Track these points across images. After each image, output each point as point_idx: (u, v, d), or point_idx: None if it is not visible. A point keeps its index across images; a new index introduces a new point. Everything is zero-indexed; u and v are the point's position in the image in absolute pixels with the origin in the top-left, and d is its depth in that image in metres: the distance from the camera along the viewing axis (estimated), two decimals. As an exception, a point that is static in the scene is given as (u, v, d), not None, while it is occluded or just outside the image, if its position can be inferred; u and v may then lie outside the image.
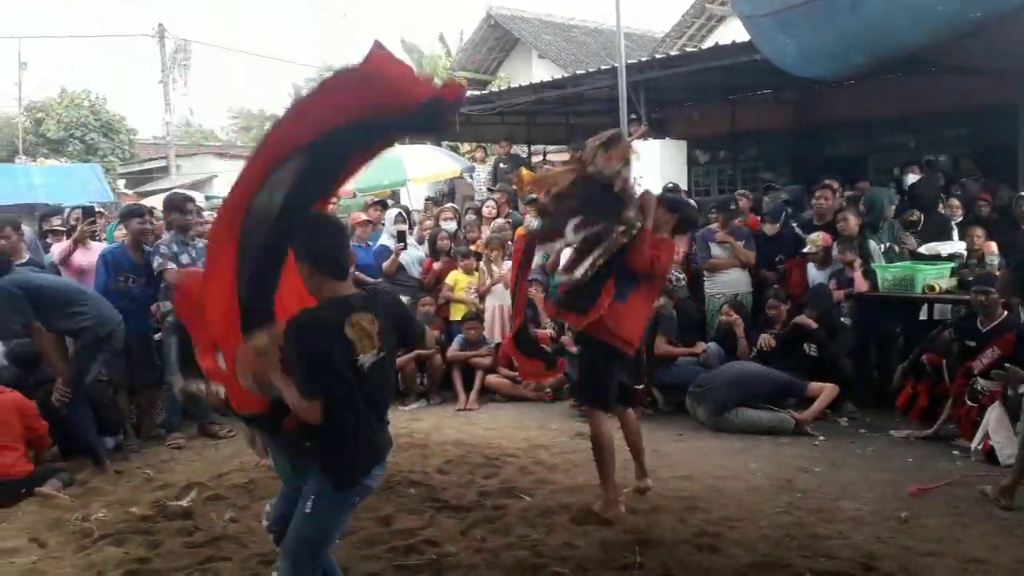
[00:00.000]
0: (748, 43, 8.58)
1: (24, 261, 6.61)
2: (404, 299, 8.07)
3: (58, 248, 6.92)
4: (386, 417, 3.01)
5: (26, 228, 7.78)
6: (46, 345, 5.45)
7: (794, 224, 7.72)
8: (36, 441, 5.30)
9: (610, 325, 4.28)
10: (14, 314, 5.27)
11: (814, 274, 7.11)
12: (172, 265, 6.11)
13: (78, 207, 7.89)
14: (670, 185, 8.92)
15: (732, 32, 13.19)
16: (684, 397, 6.55)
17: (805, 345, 6.50)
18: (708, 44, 12.37)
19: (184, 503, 4.82)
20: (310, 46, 66.42)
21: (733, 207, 7.49)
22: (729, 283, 7.30)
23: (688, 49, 11.14)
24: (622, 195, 4.23)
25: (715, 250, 7.29)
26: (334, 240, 2.92)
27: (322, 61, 28.73)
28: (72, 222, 7.68)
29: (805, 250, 7.08)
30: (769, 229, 7.53)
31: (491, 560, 3.85)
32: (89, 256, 6.69)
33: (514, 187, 11.09)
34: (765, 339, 6.63)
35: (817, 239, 6.99)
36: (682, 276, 7.30)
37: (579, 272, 4.23)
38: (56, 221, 8.33)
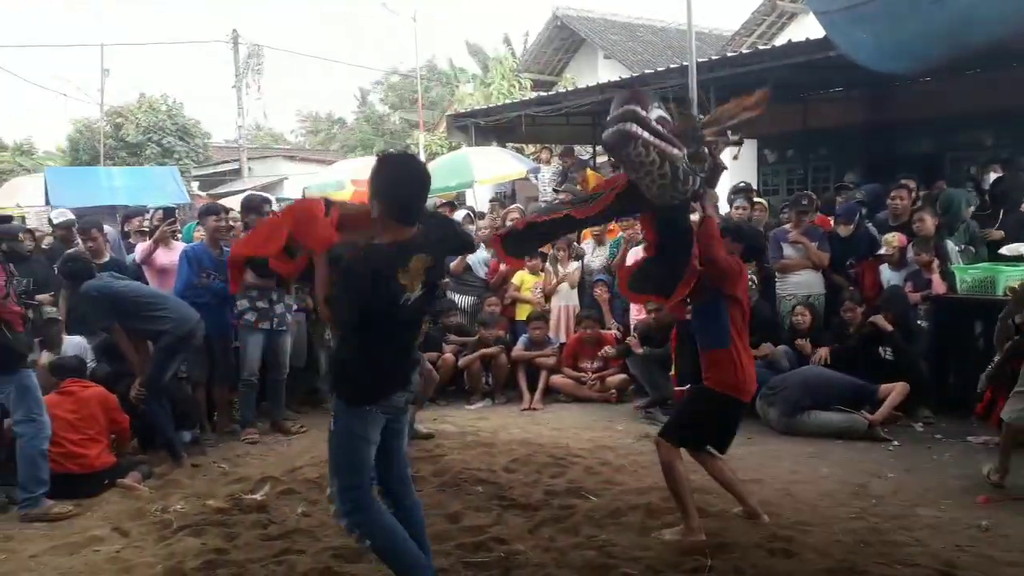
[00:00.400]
0: (822, 40, 8.41)
1: (106, 260, 6.93)
2: (470, 299, 8.23)
3: (140, 248, 7.16)
4: (413, 344, 3.18)
5: (109, 228, 8.12)
6: (125, 346, 5.69)
7: (869, 224, 7.53)
8: (118, 434, 5.50)
9: (725, 376, 4.00)
10: (96, 316, 5.50)
11: (889, 276, 6.92)
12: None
13: (160, 208, 8.15)
14: (741, 184, 8.81)
15: (803, 29, 12.96)
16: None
17: (880, 348, 6.33)
18: (778, 42, 12.15)
19: (258, 497, 4.94)
20: (377, 48, 67.35)
21: (806, 203, 7.32)
22: (801, 284, 7.15)
23: (760, 47, 10.95)
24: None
25: (787, 250, 7.15)
26: (402, 183, 2.95)
27: (388, 64, 29.06)
28: (154, 223, 7.96)
29: (881, 251, 6.90)
30: (843, 230, 7.34)
31: (560, 559, 3.85)
32: (170, 256, 6.91)
33: (579, 187, 11.12)
34: (821, 354, 6.51)
35: (893, 240, 6.81)
36: (753, 277, 7.19)
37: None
38: (137, 222, 8.65)
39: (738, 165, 10.16)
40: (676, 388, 6.64)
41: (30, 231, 7.88)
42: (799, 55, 9.14)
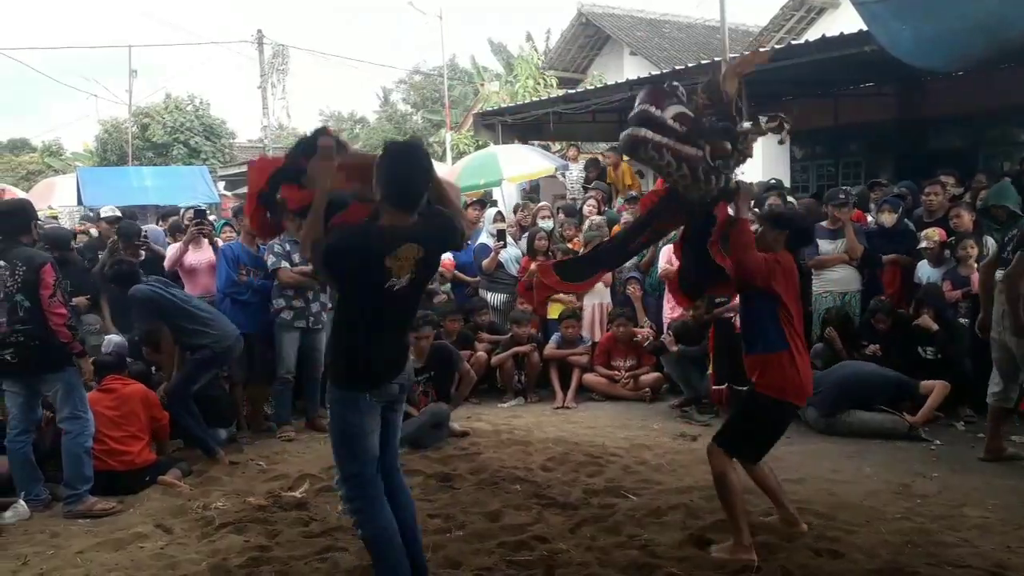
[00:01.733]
0: (855, 35, 8.33)
1: (142, 259, 7.02)
2: (502, 297, 8.22)
3: (170, 254, 7.22)
4: (404, 334, 3.27)
5: (152, 227, 8.24)
6: (167, 347, 5.77)
7: (906, 221, 7.44)
8: (159, 431, 5.54)
9: (781, 380, 3.79)
10: (143, 319, 5.57)
11: (927, 272, 6.83)
12: (285, 264, 6.33)
13: (190, 208, 8.22)
14: (772, 181, 8.73)
15: (833, 24, 12.82)
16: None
17: (920, 348, 6.25)
18: (807, 37, 12.03)
19: (298, 494, 4.96)
20: (397, 48, 67.55)
21: (842, 197, 7.23)
22: (838, 281, 7.04)
23: (793, 42, 10.83)
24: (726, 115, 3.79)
25: (822, 246, 7.06)
26: (402, 170, 3.05)
27: (411, 63, 29.13)
28: (184, 223, 8.04)
29: (921, 245, 6.81)
30: (887, 218, 7.20)
31: (603, 558, 3.83)
32: (199, 256, 6.98)
33: (609, 182, 11.11)
34: (874, 349, 6.42)
35: (933, 234, 6.72)
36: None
37: None
38: (168, 221, 8.75)
39: (768, 161, 10.16)
40: (713, 387, 6.60)
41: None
42: (832, 50, 9.04)
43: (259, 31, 26.76)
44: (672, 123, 3.53)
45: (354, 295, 3.11)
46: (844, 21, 9.83)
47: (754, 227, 4.13)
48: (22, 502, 4.74)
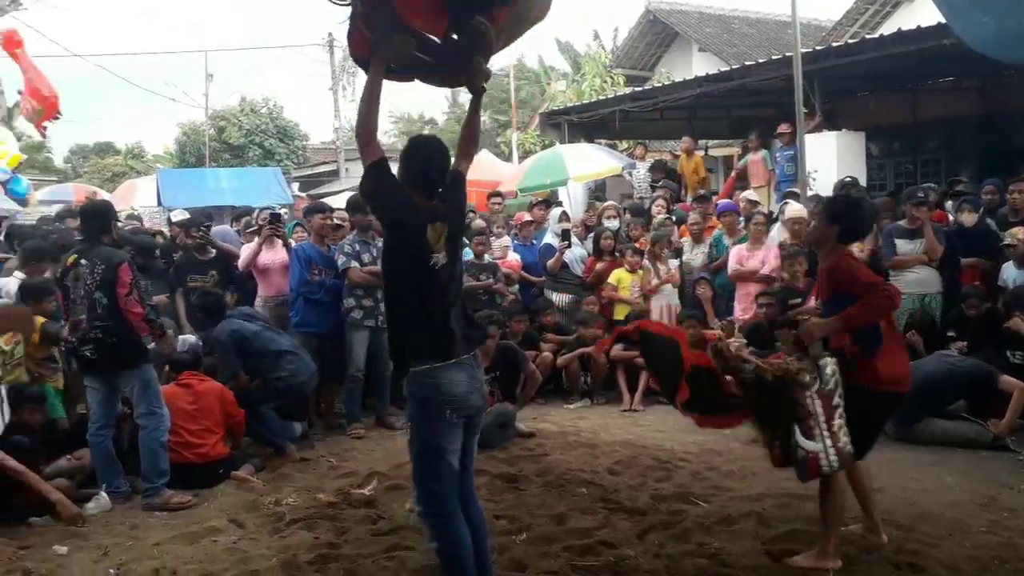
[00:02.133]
0: (934, 27, 8.04)
1: (212, 256, 7.20)
2: (567, 298, 8.17)
3: (245, 251, 7.38)
4: (457, 323, 3.26)
5: (225, 227, 8.46)
6: (242, 386, 5.87)
7: (988, 220, 7.14)
8: (233, 427, 5.67)
9: (880, 370, 3.66)
10: (224, 362, 5.79)
11: (1013, 274, 6.54)
12: (355, 264, 6.41)
13: (264, 209, 8.39)
14: (848, 179, 8.50)
15: (910, 17, 12.39)
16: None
17: (1009, 353, 5.98)
18: (882, 32, 11.65)
19: (367, 491, 5.00)
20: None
21: (921, 195, 6.98)
22: (917, 282, 6.77)
23: (867, 36, 10.54)
24: None
25: (901, 246, 6.82)
26: (422, 160, 3.30)
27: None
28: (259, 223, 8.22)
29: (1005, 243, 6.53)
30: (967, 218, 6.93)
31: (671, 566, 3.76)
32: (272, 256, 7.10)
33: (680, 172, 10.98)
34: (960, 346, 6.16)
35: (1018, 232, 6.44)
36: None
37: None
38: (241, 221, 8.97)
39: (843, 158, 9.87)
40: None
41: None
42: (909, 44, 8.76)
43: (330, 34, 27.25)
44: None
45: (402, 269, 3.27)
46: (923, 14, 9.47)
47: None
48: (104, 494, 4.90)
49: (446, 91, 38.48)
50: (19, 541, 4.35)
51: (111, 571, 3.97)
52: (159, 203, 14.08)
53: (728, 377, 3.77)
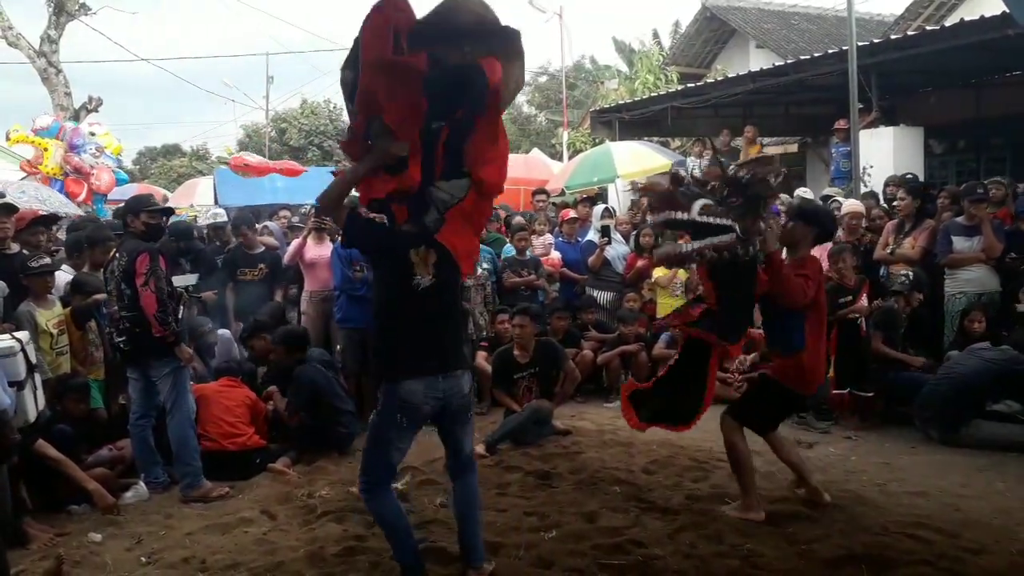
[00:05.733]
0: (997, 18, 7.72)
1: (260, 251, 7.30)
2: (609, 295, 8.07)
3: (290, 249, 7.48)
4: (442, 343, 3.46)
5: (273, 225, 8.59)
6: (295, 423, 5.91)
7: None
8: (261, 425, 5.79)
9: (795, 375, 4.27)
10: (300, 396, 5.85)
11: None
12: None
13: (313, 205, 8.50)
14: (909, 176, 8.22)
15: (975, 10, 11.92)
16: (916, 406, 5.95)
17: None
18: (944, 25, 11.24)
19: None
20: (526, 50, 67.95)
21: (980, 192, 6.69)
22: (974, 281, 6.50)
23: (928, 28, 10.18)
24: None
25: (958, 243, 6.54)
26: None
27: (537, 63, 29.27)
28: (305, 218, 8.36)
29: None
30: None
31: (701, 567, 3.67)
32: (320, 251, 7.18)
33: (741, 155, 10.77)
34: None
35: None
36: (909, 273, 6.65)
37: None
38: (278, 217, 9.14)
39: (901, 155, 9.54)
40: (834, 391, 6.26)
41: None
42: (971, 35, 8.42)
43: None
44: (701, 218, 3.81)
45: (385, 286, 3.50)
46: (989, 6, 9.10)
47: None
48: (142, 483, 5.00)
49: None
50: (58, 528, 4.46)
51: (142, 559, 4.04)
52: (216, 201, 14.39)
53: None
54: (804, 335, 4.21)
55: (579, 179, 11.54)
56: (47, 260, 5.41)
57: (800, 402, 4.60)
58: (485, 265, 7.52)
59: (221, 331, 6.58)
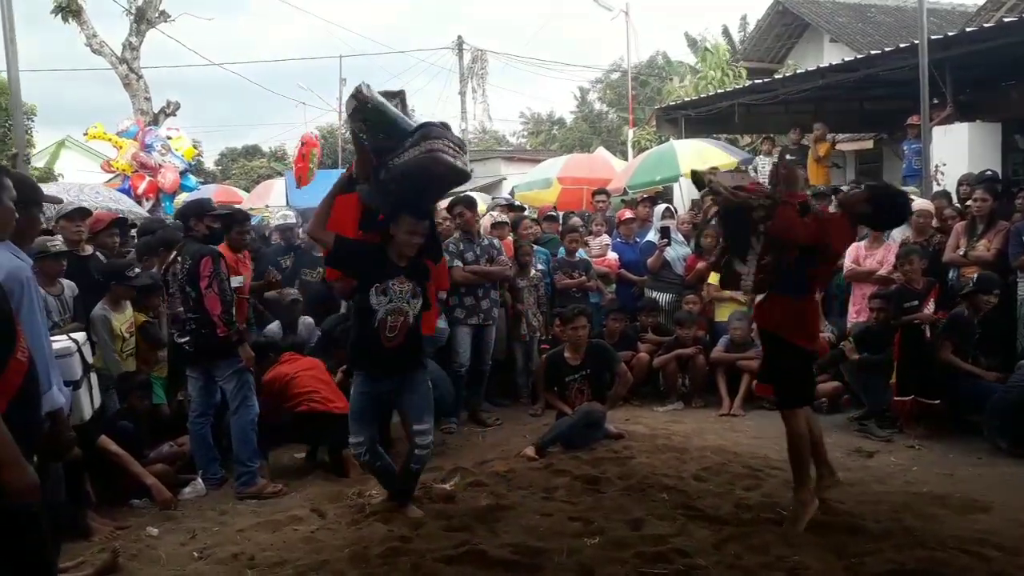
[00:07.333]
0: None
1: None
2: (669, 297, 7.95)
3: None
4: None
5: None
6: None
7: None
8: None
9: (794, 324, 4.27)
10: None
11: None
12: (458, 262, 6.48)
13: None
14: (988, 173, 7.90)
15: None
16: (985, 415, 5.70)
17: None
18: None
19: (448, 487, 5.04)
20: (598, 48, 67.75)
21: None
22: (1049, 284, 6.22)
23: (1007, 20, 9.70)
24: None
25: (1032, 245, 6.26)
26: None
27: (609, 60, 29.09)
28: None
29: None
30: None
31: (744, 579, 3.59)
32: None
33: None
34: None
35: None
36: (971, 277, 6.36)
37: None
38: None
39: (975, 152, 9.14)
40: (896, 399, 6.06)
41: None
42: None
43: (459, 37, 27.70)
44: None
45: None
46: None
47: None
48: (200, 480, 5.16)
49: (575, 89, 38.59)
50: (119, 521, 4.64)
51: (195, 554, 4.16)
52: (287, 202, 14.75)
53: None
54: (807, 281, 4.28)
55: (641, 178, 11.41)
56: (143, 275, 5.70)
57: (810, 360, 4.60)
58: (539, 266, 7.52)
59: (270, 326, 6.76)
